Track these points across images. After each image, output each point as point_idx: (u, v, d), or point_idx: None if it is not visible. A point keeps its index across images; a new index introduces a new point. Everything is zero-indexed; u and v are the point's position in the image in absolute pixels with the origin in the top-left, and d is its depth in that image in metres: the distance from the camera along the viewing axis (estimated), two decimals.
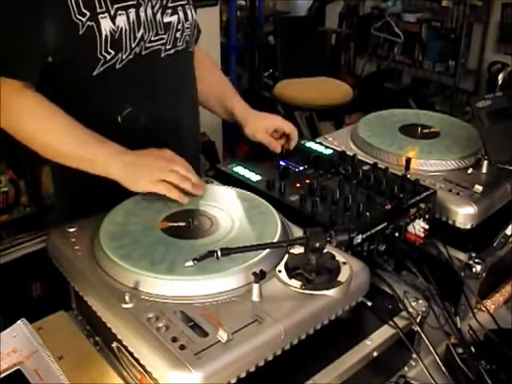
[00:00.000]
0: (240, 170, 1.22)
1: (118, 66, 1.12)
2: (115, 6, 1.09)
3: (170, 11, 1.19)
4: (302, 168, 1.23)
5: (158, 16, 1.17)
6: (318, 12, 4.72)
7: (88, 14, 1.06)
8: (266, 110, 1.38)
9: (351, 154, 1.26)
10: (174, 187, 1.01)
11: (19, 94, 1.06)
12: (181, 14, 1.22)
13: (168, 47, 1.20)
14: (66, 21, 1.05)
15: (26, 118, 1.06)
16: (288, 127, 1.31)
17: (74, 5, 1.05)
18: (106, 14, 1.08)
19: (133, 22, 1.11)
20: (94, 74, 1.11)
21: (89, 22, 1.06)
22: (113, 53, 1.10)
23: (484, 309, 1.12)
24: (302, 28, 4.17)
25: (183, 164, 1.06)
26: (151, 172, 1.03)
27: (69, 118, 1.06)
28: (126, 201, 1.05)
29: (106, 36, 1.08)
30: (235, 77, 3.84)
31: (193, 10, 1.26)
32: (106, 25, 1.08)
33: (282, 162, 1.24)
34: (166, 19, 1.19)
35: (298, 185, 1.14)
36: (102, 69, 1.11)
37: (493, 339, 1.02)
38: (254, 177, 1.19)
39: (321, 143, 1.36)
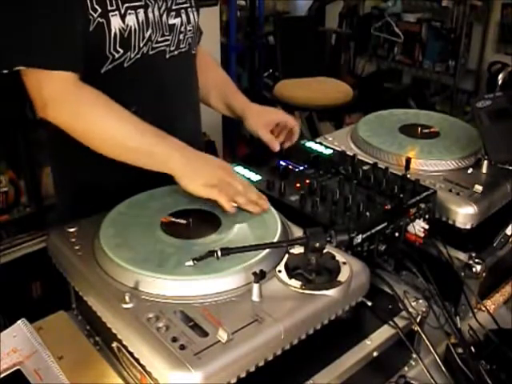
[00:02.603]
0: (240, 169, 1.22)
1: (125, 65, 1.13)
2: (125, 5, 1.09)
3: (173, 13, 1.20)
4: (301, 168, 1.23)
5: (164, 18, 1.18)
6: (318, 12, 4.72)
7: (99, 10, 1.06)
8: None
9: (351, 154, 1.26)
10: (223, 194, 0.99)
11: (74, 86, 1.04)
12: (184, 16, 1.23)
13: (172, 48, 1.21)
14: (84, 14, 1.05)
15: (87, 109, 1.05)
16: (290, 121, 1.31)
17: None
18: (117, 12, 1.08)
19: (142, 22, 1.12)
20: (102, 71, 1.11)
21: (99, 19, 1.06)
22: (121, 51, 1.10)
23: (484, 309, 1.13)
24: (302, 28, 4.17)
25: (242, 181, 1.05)
26: (209, 177, 1.01)
27: (127, 111, 1.05)
28: (126, 201, 1.05)
29: (115, 34, 1.08)
30: (235, 77, 3.84)
31: (195, 14, 1.27)
32: (115, 23, 1.08)
33: (282, 162, 1.24)
34: (171, 21, 1.19)
35: (298, 185, 1.14)
36: (109, 67, 1.11)
37: (493, 339, 1.02)
38: (254, 177, 1.19)
39: (321, 143, 1.36)
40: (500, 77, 2.57)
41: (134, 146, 1.05)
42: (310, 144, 1.36)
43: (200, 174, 1.02)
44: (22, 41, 1.02)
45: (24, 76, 1.05)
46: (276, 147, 1.28)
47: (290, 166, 1.23)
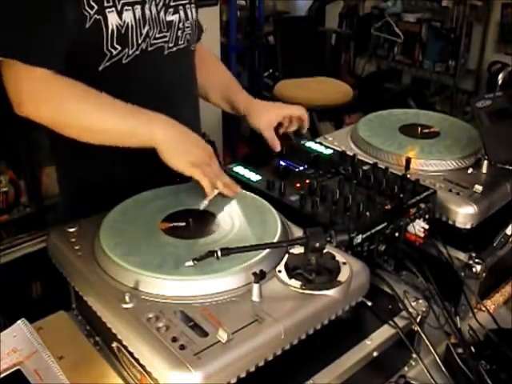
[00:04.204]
0: (240, 169, 1.22)
1: (124, 62, 1.12)
2: (122, 2, 1.09)
3: (171, 10, 1.20)
4: (302, 168, 1.23)
5: (161, 14, 1.18)
6: (318, 12, 4.72)
7: (96, 6, 1.06)
8: None
9: (351, 154, 1.26)
10: (206, 177, 1.02)
11: (53, 79, 1.04)
12: (181, 13, 1.23)
13: (170, 45, 1.21)
14: (78, 11, 1.05)
15: (68, 99, 1.04)
16: (294, 112, 1.32)
17: None
18: (113, 9, 1.08)
19: (139, 19, 1.12)
20: (100, 69, 1.11)
21: (96, 16, 1.06)
22: (119, 48, 1.10)
23: (484, 309, 1.13)
24: (302, 28, 4.17)
25: (218, 164, 1.08)
26: (191, 155, 1.04)
27: (106, 96, 1.05)
28: (126, 201, 1.05)
29: (113, 30, 1.08)
30: (235, 77, 3.83)
31: (193, 10, 1.27)
32: (112, 19, 1.08)
33: (282, 162, 1.24)
34: (168, 18, 1.19)
35: (298, 185, 1.14)
36: (108, 64, 1.11)
37: (493, 339, 1.02)
38: (254, 177, 1.19)
39: (321, 143, 1.36)
40: (500, 77, 2.57)
41: (116, 130, 1.06)
42: (310, 144, 1.36)
43: (184, 152, 1.04)
44: (4, 33, 1.02)
45: (3, 71, 1.04)
46: (277, 147, 1.28)
47: (290, 166, 1.23)
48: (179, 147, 1.05)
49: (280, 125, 1.33)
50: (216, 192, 1.03)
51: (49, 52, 1.05)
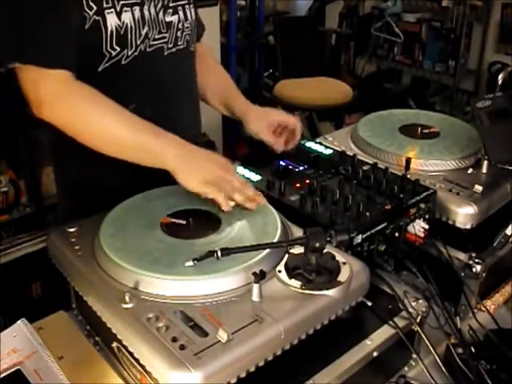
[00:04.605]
0: (240, 169, 1.22)
1: (123, 62, 1.12)
2: (121, 3, 1.09)
3: (170, 11, 1.20)
4: (302, 168, 1.23)
5: (161, 15, 1.18)
6: (318, 12, 4.72)
7: (95, 7, 1.06)
8: None
9: (351, 154, 1.26)
10: (222, 192, 0.99)
11: (71, 84, 1.04)
12: (181, 13, 1.23)
13: (170, 46, 1.21)
14: (79, 12, 1.05)
15: (85, 107, 1.04)
16: (291, 122, 1.31)
17: None
18: (112, 10, 1.08)
19: (138, 20, 1.12)
20: (100, 69, 1.11)
21: (95, 16, 1.06)
22: (118, 49, 1.10)
23: (484, 309, 1.13)
24: (302, 28, 4.17)
25: (239, 178, 1.05)
26: (207, 174, 1.01)
27: (124, 109, 1.05)
28: (126, 201, 1.05)
29: (112, 31, 1.08)
30: (235, 77, 3.84)
31: (193, 10, 1.27)
32: (111, 20, 1.08)
33: (282, 162, 1.24)
34: (168, 18, 1.19)
35: (298, 185, 1.14)
36: (107, 65, 1.11)
37: (493, 339, 1.02)
38: (254, 177, 1.19)
39: (321, 143, 1.36)
40: (500, 77, 2.57)
41: (132, 144, 1.05)
42: (310, 144, 1.36)
43: (198, 171, 1.01)
44: (17, 38, 1.02)
45: (20, 75, 1.04)
46: (280, 148, 1.28)
47: (290, 166, 1.23)
48: (191, 166, 1.02)
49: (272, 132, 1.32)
50: (230, 208, 0.98)
51: (62, 52, 1.05)
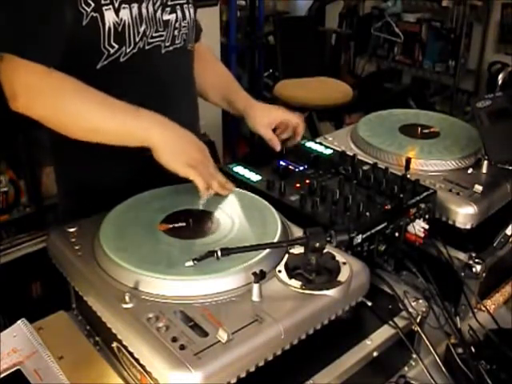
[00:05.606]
0: (240, 169, 1.22)
1: (121, 60, 1.12)
2: (119, 0, 1.09)
3: (168, 9, 1.20)
4: (302, 168, 1.23)
5: (158, 13, 1.18)
6: (318, 12, 4.72)
7: (93, 4, 1.06)
8: None
9: (351, 154, 1.26)
10: (201, 177, 1.03)
11: (49, 73, 1.03)
12: (179, 12, 1.23)
13: (167, 44, 1.21)
14: (74, 9, 1.05)
15: (64, 96, 1.04)
16: (292, 120, 1.31)
17: None
18: (110, 6, 1.08)
19: (135, 17, 1.12)
20: (98, 67, 1.11)
21: (93, 13, 1.06)
22: (116, 46, 1.10)
23: (484, 309, 1.13)
24: (302, 28, 4.17)
25: (213, 163, 1.08)
26: (186, 156, 1.04)
27: (102, 93, 1.05)
28: (126, 201, 1.05)
29: (110, 28, 1.08)
30: (235, 77, 3.83)
31: (191, 10, 1.27)
32: (109, 17, 1.08)
33: (282, 162, 1.24)
34: (165, 17, 1.19)
35: (298, 185, 1.14)
36: (105, 62, 1.11)
37: (493, 339, 1.02)
38: (254, 177, 1.19)
39: (321, 143, 1.36)
40: (500, 77, 2.57)
41: (113, 128, 1.05)
42: (310, 144, 1.36)
43: (180, 153, 1.04)
44: (1, 28, 1.01)
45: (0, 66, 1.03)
46: (277, 147, 1.28)
47: (290, 166, 1.23)
48: (174, 148, 1.04)
49: (274, 129, 1.33)
50: (211, 192, 1.03)
51: (45, 47, 1.04)
